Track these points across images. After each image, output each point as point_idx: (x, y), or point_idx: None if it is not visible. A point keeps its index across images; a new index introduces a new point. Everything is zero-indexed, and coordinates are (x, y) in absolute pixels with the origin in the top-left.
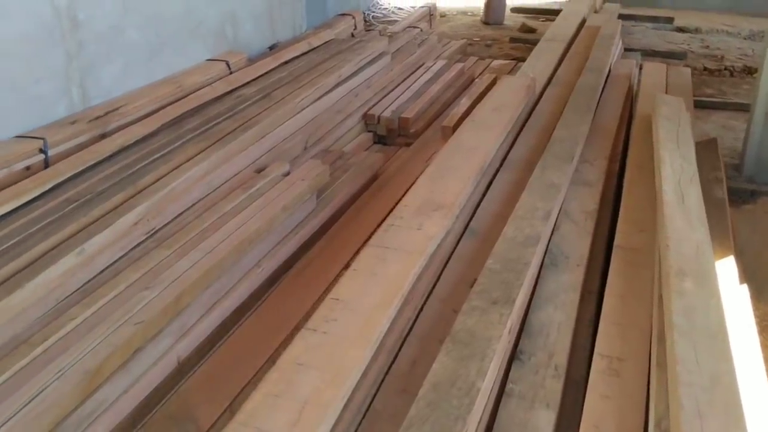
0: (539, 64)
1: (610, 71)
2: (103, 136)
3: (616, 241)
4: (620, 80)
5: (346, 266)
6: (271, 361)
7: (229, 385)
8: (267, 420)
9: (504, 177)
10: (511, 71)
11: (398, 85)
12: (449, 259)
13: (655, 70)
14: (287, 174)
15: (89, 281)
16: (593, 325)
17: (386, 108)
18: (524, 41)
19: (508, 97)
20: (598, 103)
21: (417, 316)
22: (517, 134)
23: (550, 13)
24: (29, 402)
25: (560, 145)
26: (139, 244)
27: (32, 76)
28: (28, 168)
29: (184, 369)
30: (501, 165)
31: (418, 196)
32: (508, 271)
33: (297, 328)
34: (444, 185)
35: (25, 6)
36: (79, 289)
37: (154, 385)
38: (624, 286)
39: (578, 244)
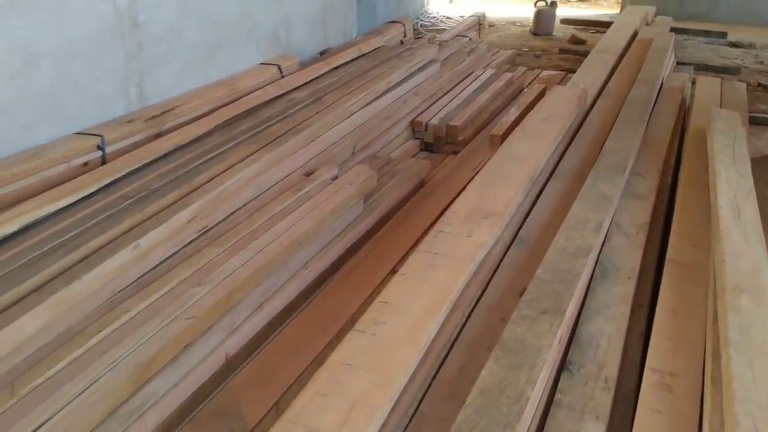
0: (590, 75)
1: (662, 85)
2: (158, 135)
3: (669, 255)
4: (673, 94)
5: (392, 271)
6: (317, 361)
7: (276, 384)
8: (316, 419)
9: (554, 187)
10: (561, 82)
11: (447, 92)
12: (498, 267)
13: (708, 84)
14: (335, 178)
15: (143, 276)
16: (644, 339)
17: (434, 115)
18: (574, 52)
19: (559, 107)
20: (650, 115)
21: (465, 323)
22: (568, 145)
23: (601, 25)
24: (84, 391)
25: (612, 156)
26: (191, 242)
27: (93, 75)
28: (86, 164)
29: (232, 366)
30: (551, 175)
31: (467, 203)
32: (558, 281)
33: (343, 330)
34: (494, 193)
35: (88, 7)
36: (133, 283)
37: (202, 380)
38: (676, 300)
39: (629, 256)
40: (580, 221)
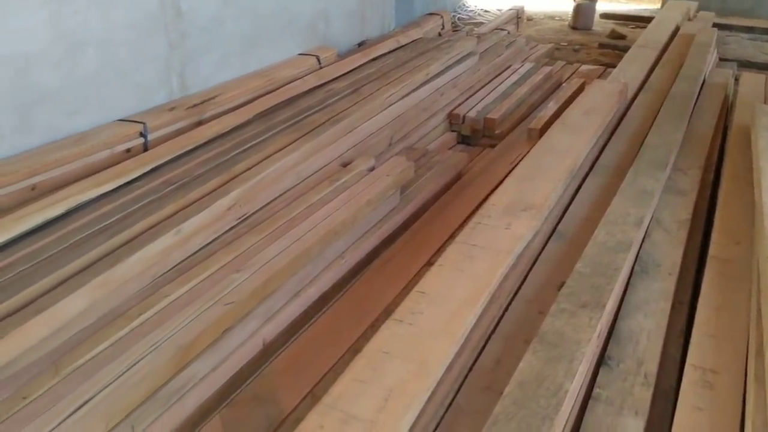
0: (631, 69)
1: (704, 81)
2: (199, 124)
3: (711, 252)
4: (716, 89)
5: (428, 263)
6: (352, 350)
7: (311, 371)
8: (353, 404)
9: (593, 181)
10: (600, 77)
11: (484, 85)
12: (536, 260)
13: (752, 80)
14: (372, 169)
15: (183, 261)
16: (684, 336)
17: (472, 108)
18: (613, 47)
19: (600, 101)
20: (693, 111)
21: (502, 316)
22: (608, 139)
23: (641, 20)
24: (125, 372)
25: (653, 151)
26: (231, 229)
27: (136, 62)
28: (128, 150)
29: (268, 352)
30: (590, 169)
31: (506, 196)
32: (598, 276)
33: (377, 321)
34: (533, 186)
35: None
36: (174, 267)
37: (240, 365)
38: (718, 298)
39: (670, 252)
40: (620, 216)
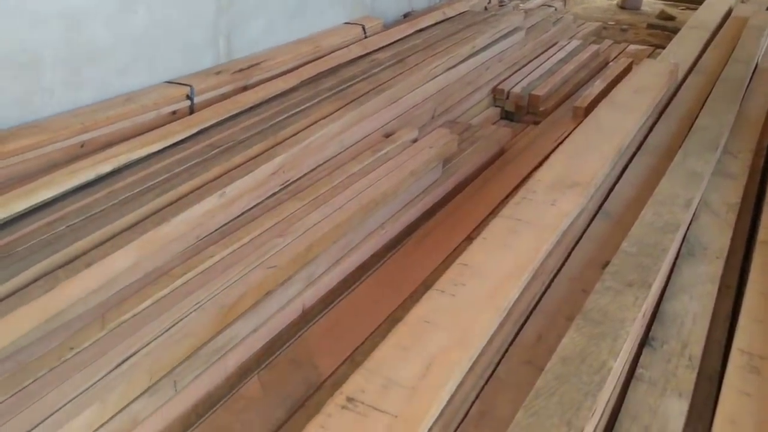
0: (681, 50)
1: (757, 65)
2: (245, 88)
3: (760, 237)
4: None
5: (468, 237)
6: (390, 319)
7: (350, 338)
8: (395, 370)
9: (641, 161)
10: (648, 57)
11: (530, 61)
12: (580, 238)
13: None
14: (415, 140)
15: (227, 223)
16: (730, 321)
17: (516, 84)
18: (662, 28)
19: (650, 80)
20: (744, 95)
21: (544, 292)
22: (657, 119)
23: (692, 2)
24: (169, 329)
25: (704, 133)
26: (274, 194)
27: (185, 24)
28: (174, 112)
29: (308, 316)
30: (638, 149)
31: (552, 172)
32: (644, 256)
33: (416, 292)
34: (580, 163)
35: None
36: (217, 230)
37: (280, 328)
38: (767, 283)
39: (718, 236)
40: (668, 197)
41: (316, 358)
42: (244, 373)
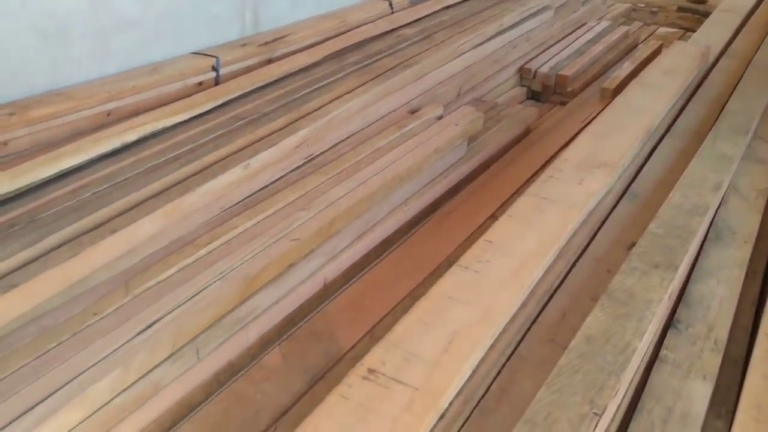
0: (713, 34)
1: None
2: (270, 61)
3: None
4: None
5: (492, 216)
6: (412, 296)
7: (370, 313)
8: (417, 344)
9: (670, 144)
10: (679, 40)
11: (558, 41)
12: (606, 219)
13: None
14: (440, 117)
15: (251, 195)
16: (756, 306)
17: (544, 63)
18: (693, 11)
19: (681, 62)
20: None
21: (569, 272)
22: (686, 102)
23: None
24: (192, 297)
25: (734, 117)
26: (297, 168)
27: None
28: (200, 83)
29: (329, 290)
30: (667, 131)
31: (580, 151)
32: (672, 237)
33: (438, 269)
34: (608, 143)
35: None
36: (241, 201)
37: (301, 301)
38: None
39: (747, 220)
40: (697, 179)
41: (336, 332)
42: (265, 343)
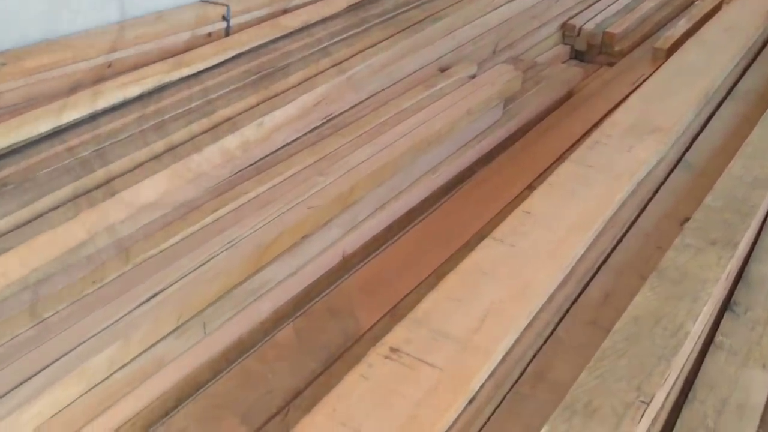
0: None
1: None
2: (285, 12)
3: None
4: None
5: (529, 186)
6: (438, 273)
7: (392, 290)
8: (445, 322)
9: (730, 108)
10: None
11: None
12: (657, 190)
13: None
14: (473, 77)
15: (264, 158)
16: None
17: (589, 20)
18: None
19: (744, 18)
20: None
21: (614, 247)
22: (749, 63)
23: None
24: (200, 266)
25: None
26: (315, 128)
27: None
28: (209, 34)
29: (348, 264)
30: (727, 94)
31: (630, 115)
32: (730, 212)
33: (468, 244)
34: (661, 107)
35: None
36: (254, 164)
37: (317, 275)
38: None
39: None
40: (760, 149)
41: (355, 309)
42: (278, 319)
